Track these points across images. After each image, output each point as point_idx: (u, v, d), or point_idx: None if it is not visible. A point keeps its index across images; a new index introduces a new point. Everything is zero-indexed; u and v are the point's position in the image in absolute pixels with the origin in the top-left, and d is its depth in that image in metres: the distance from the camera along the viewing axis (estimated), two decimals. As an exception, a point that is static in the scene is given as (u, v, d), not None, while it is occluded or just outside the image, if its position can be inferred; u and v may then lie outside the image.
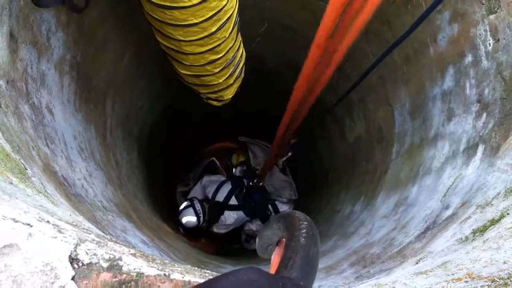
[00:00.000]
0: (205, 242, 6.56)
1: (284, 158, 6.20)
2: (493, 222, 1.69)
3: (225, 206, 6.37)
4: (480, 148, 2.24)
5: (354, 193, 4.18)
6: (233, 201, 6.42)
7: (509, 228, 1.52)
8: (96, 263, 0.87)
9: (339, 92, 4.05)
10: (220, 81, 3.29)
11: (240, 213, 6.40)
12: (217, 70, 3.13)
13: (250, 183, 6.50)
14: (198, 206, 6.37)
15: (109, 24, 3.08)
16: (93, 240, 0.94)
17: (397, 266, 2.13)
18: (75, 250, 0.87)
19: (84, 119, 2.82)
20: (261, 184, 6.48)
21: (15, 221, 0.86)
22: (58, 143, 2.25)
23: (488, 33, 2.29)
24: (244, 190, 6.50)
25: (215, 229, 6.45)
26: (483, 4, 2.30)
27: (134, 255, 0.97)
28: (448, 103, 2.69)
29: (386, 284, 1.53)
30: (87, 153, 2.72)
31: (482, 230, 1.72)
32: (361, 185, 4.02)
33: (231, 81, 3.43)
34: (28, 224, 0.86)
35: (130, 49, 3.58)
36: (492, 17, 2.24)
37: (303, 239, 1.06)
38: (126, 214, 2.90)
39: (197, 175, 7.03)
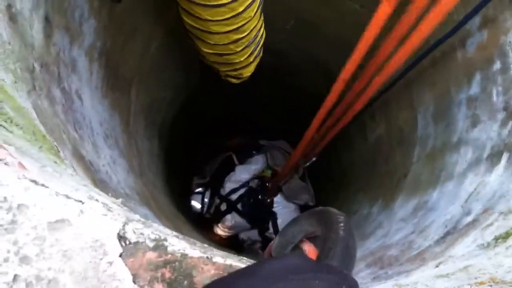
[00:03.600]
0: (210, 230, 6.59)
1: (307, 164, 6.20)
2: (517, 229, 1.69)
3: (233, 207, 6.43)
4: (505, 156, 2.23)
5: (372, 194, 4.17)
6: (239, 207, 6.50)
7: (533, 236, 1.52)
8: (142, 242, 0.90)
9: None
10: (242, 59, 3.32)
11: (242, 221, 6.45)
12: (239, 49, 3.16)
13: (259, 197, 6.54)
14: (207, 197, 6.46)
15: (139, 12, 3.11)
16: (139, 220, 0.97)
17: (416, 269, 2.13)
18: (123, 229, 0.89)
19: (110, 106, 2.85)
20: (268, 201, 6.52)
21: (68, 197, 0.88)
22: (86, 128, 2.28)
23: (519, 41, 2.28)
24: (252, 201, 6.54)
25: (218, 230, 6.51)
26: (514, 11, 2.29)
27: (177, 237, 1.00)
28: (473, 109, 2.67)
29: (408, 285, 1.53)
30: (111, 140, 2.75)
31: (505, 237, 1.71)
32: (380, 187, 4.01)
33: (251, 59, 3.47)
34: (80, 201, 0.89)
35: (157, 39, 3.61)
36: (523, 25, 2.24)
37: (342, 232, 1.08)
38: (146, 202, 2.93)
39: (214, 169, 7.06)
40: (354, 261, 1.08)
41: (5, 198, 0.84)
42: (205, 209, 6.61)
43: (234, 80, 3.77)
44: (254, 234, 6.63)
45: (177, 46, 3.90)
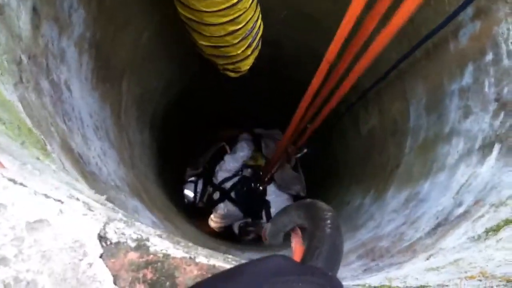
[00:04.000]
0: (202, 222, 6.58)
1: (299, 155, 6.18)
2: (507, 222, 1.69)
3: (226, 195, 6.43)
4: (496, 147, 2.22)
5: (364, 185, 4.17)
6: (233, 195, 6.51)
7: (523, 229, 1.52)
8: (124, 243, 0.88)
9: (356, 85, 4.04)
10: (239, 52, 3.31)
11: (235, 209, 6.45)
12: (236, 41, 3.16)
13: (252, 185, 6.53)
14: (200, 186, 6.47)
15: (131, 2, 3.08)
16: (121, 219, 0.95)
17: (407, 261, 2.13)
18: (104, 229, 0.88)
19: (101, 97, 2.83)
20: (261, 188, 6.51)
21: (47, 196, 0.87)
22: (75, 120, 2.26)
23: (511, 32, 2.27)
24: (245, 189, 6.55)
25: (211, 223, 6.51)
26: (507, 2, 2.27)
27: (160, 236, 0.98)
28: (465, 100, 2.67)
29: (397, 278, 1.53)
30: (102, 132, 2.73)
31: (496, 229, 1.71)
32: (372, 178, 4.01)
33: (249, 52, 3.46)
34: (59, 201, 0.87)
35: (149, 29, 3.58)
36: (516, 15, 2.22)
37: (328, 229, 1.07)
38: (137, 194, 2.91)
39: (207, 160, 7.06)
40: (340, 260, 1.08)
41: (-19, 198, 0.82)
42: (197, 198, 6.62)
43: (232, 74, 3.76)
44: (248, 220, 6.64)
45: (170, 36, 3.88)
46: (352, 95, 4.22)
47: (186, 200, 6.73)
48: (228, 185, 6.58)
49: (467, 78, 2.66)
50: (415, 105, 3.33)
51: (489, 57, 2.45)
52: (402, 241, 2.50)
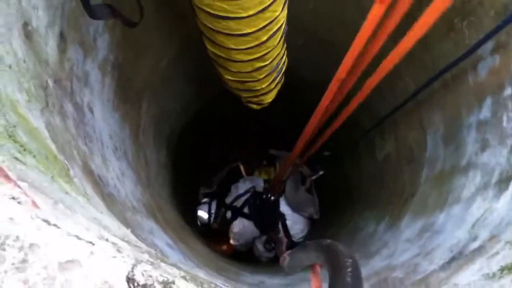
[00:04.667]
0: (219, 240, 6.54)
1: (315, 177, 6.16)
2: (523, 261, 1.69)
3: (238, 212, 6.39)
4: (513, 183, 2.23)
5: (378, 212, 4.16)
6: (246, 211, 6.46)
7: (538, 270, 1.52)
8: (150, 285, 0.90)
9: (372, 112, 4.05)
10: (263, 86, 3.33)
11: (249, 224, 6.41)
12: (261, 77, 3.17)
13: (264, 196, 6.50)
14: (214, 207, 6.44)
15: (152, 29, 3.14)
16: (148, 260, 0.97)
17: (420, 295, 2.13)
18: (132, 271, 0.90)
19: (121, 118, 2.88)
20: (273, 198, 6.47)
21: (79, 238, 0.89)
22: (96, 141, 2.30)
23: (530, 68, 2.28)
24: (257, 202, 6.51)
25: (232, 241, 6.47)
26: (527, 38, 2.29)
27: (184, 278, 1.00)
28: (483, 133, 2.67)
29: (411, 314, 1.53)
30: (120, 152, 2.77)
31: (510, 268, 1.71)
32: (387, 205, 4.00)
33: (273, 86, 3.48)
34: (90, 242, 0.90)
35: (169, 53, 3.64)
36: (535, 52, 2.24)
37: (349, 279, 1.08)
38: (152, 214, 2.94)
39: (221, 179, 7.06)
40: None
41: (17, 237, 0.85)
42: (212, 219, 6.59)
43: (255, 106, 3.78)
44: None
45: (188, 61, 3.93)
46: (367, 121, 4.23)
47: (199, 222, 6.70)
48: (240, 202, 6.55)
49: (485, 112, 2.66)
50: (432, 135, 3.33)
51: (508, 91, 2.45)
52: (416, 273, 2.49)
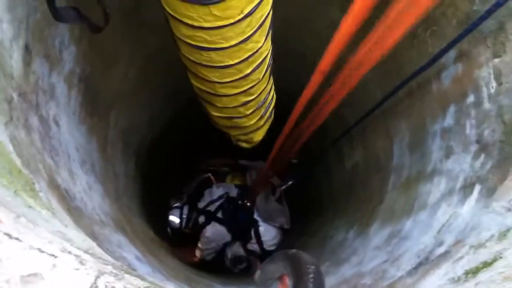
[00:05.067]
0: (189, 250, 6.47)
1: (284, 187, 6.17)
2: (486, 264, 1.72)
3: (212, 216, 6.36)
4: (477, 188, 2.27)
5: (348, 220, 4.19)
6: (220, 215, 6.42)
7: (501, 273, 1.55)
8: None
9: (340, 120, 4.09)
10: (252, 122, 3.32)
11: (222, 229, 6.37)
12: (249, 112, 3.16)
13: (239, 202, 6.48)
14: (185, 211, 6.39)
15: (118, 41, 3.13)
16: (111, 272, 0.97)
17: (387, 302, 2.15)
18: (95, 283, 0.89)
19: (88, 131, 2.85)
20: (248, 204, 6.45)
21: (41, 251, 0.88)
22: (62, 155, 2.28)
23: (492, 76, 2.33)
24: (232, 207, 6.48)
25: (198, 252, 6.42)
26: (488, 47, 2.34)
27: (148, 289, 1.00)
28: (447, 140, 2.72)
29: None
30: (88, 165, 2.75)
31: (475, 271, 1.74)
32: (356, 213, 4.04)
33: (262, 122, 3.47)
34: (53, 255, 0.89)
35: (136, 64, 3.63)
36: (496, 60, 2.29)
37: (310, 285, 1.09)
38: (121, 228, 2.91)
39: (191, 190, 7.02)
40: None
41: (-22, 251, 0.84)
42: (183, 223, 6.52)
43: (245, 145, 3.78)
44: (237, 249, 6.55)
45: (157, 72, 3.92)
46: (335, 130, 4.27)
47: (169, 229, 6.63)
48: (213, 207, 6.52)
49: (449, 119, 2.72)
50: (398, 143, 3.38)
51: (471, 99, 2.51)
52: (384, 279, 2.52)
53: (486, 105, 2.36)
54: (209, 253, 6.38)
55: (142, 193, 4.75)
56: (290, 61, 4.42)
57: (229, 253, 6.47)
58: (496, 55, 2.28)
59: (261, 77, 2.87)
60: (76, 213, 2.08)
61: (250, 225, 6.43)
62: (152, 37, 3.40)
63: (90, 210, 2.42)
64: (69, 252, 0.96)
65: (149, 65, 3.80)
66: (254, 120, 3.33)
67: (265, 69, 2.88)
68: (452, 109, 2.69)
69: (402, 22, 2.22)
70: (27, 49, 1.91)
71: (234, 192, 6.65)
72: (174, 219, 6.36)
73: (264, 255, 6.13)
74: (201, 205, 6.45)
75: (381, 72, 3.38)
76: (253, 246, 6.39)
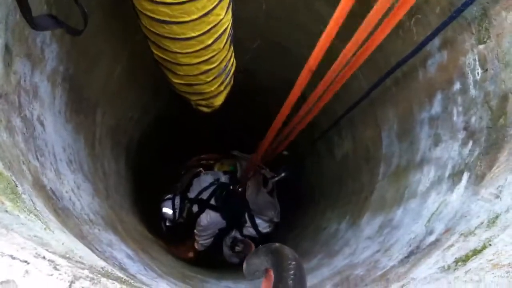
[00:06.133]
0: (183, 246, 6.46)
1: (276, 179, 6.16)
2: (475, 252, 1.72)
3: (205, 204, 6.33)
4: (465, 176, 2.27)
5: (340, 211, 4.19)
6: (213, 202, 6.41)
7: (490, 260, 1.55)
8: None
9: (328, 112, 4.09)
10: (212, 89, 3.33)
11: (217, 216, 6.36)
12: (209, 79, 3.18)
13: (231, 187, 6.46)
14: (177, 201, 6.37)
15: (103, 37, 3.10)
16: (87, 276, 0.95)
17: (379, 291, 2.15)
18: None
19: (74, 130, 2.83)
20: (240, 190, 6.43)
21: (13, 258, 0.87)
22: (48, 155, 2.26)
23: (477, 63, 2.33)
24: (225, 193, 6.47)
25: (198, 243, 6.40)
26: (473, 33, 2.34)
27: (127, 292, 0.99)
28: (435, 128, 2.72)
29: (369, 311, 1.55)
30: (75, 164, 2.72)
31: (464, 259, 1.74)
32: (347, 204, 4.04)
33: (222, 88, 3.49)
34: (25, 261, 0.88)
35: (122, 61, 3.60)
36: (481, 47, 2.28)
37: (291, 282, 1.08)
38: (112, 226, 2.90)
39: (184, 186, 7.00)
40: None
41: None
42: (177, 213, 6.50)
43: (205, 109, 3.77)
44: (235, 234, 6.54)
45: (142, 68, 3.90)
46: (324, 121, 4.27)
47: (163, 225, 6.61)
48: (206, 194, 6.49)
49: (436, 107, 2.72)
50: (387, 132, 3.38)
51: (457, 86, 2.51)
52: (376, 269, 2.52)
53: (472, 91, 2.36)
54: (206, 239, 6.36)
55: (134, 191, 4.73)
56: (275, 55, 4.41)
57: (228, 240, 6.48)
58: (480, 41, 2.28)
59: (221, 47, 2.91)
60: (63, 213, 2.06)
61: (243, 209, 6.42)
62: (136, 34, 3.37)
63: (78, 210, 2.40)
64: (43, 257, 0.94)
65: (134, 62, 3.77)
66: (215, 86, 3.36)
67: (225, 39, 2.91)
68: (438, 96, 2.69)
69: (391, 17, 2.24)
70: (7, 49, 1.88)
71: (223, 179, 6.64)
72: (167, 210, 6.34)
73: (261, 238, 6.14)
74: (191, 194, 6.43)
75: (368, 63, 3.37)
76: (248, 230, 6.39)
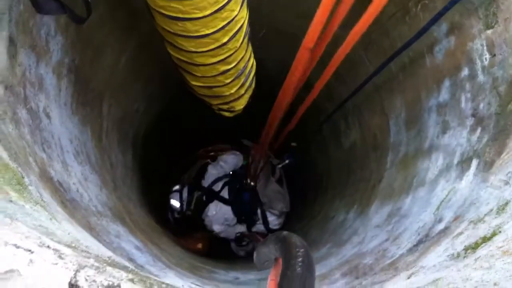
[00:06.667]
0: (192, 238, 6.47)
1: (281, 165, 6.17)
2: (485, 239, 1.71)
3: (215, 195, 6.34)
4: (474, 163, 2.25)
5: (348, 200, 4.18)
6: (225, 195, 6.41)
7: (500, 247, 1.54)
8: None
9: (334, 97, 4.07)
10: (232, 91, 3.29)
11: (227, 209, 6.36)
12: (228, 81, 3.13)
13: (244, 181, 6.46)
14: (185, 193, 6.38)
15: (108, 28, 3.09)
16: (92, 265, 0.95)
17: (389, 280, 2.14)
18: (74, 277, 0.87)
19: (81, 122, 2.82)
20: (252, 184, 6.43)
21: (17, 247, 0.87)
22: (55, 147, 2.26)
23: (485, 48, 2.30)
24: (238, 187, 6.47)
25: (207, 225, 6.41)
26: (480, 18, 2.31)
27: (132, 280, 0.98)
28: (443, 115, 2.70)
29: (378, 299, 1.54)
30: (82, 156, 2.72)
31: (474, 247, 1.73)
32: (355, 192, 4.03)
33: (242, 91, 3.44)
34: (29, 250, 0.87)
35: (127, 52, 3.59)
36: (489, 32, 2.26)
37: (299, 269, 1.07)
38: (119, 217, 2.90)
39: (192, 177, 7.01)
40: None
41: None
42: (184, 206, 6.52)
43: (227, 114, 3.75)
44: (241, 229, 6.56)
45: (148, 59, 3.89)
46: (329, 106, 4.25)
47: (171, 217, 6.63)
48: (219, 185, 6.50)
49: (444, 94, 2.69)
50: (394, 120, 3.36)
51: (465, 72, 2.48)
52: (385, 258, 2.51)
53: (481, 77, 2.34)
54: (216, 234, 6.39)
55: (142, 182, 4.73)
56: (282, 43, 4.39)
57: (232, 243, 6.50)
58: (488, 26, 2.25)
59: (238, 45, 2.86)
60: (70, 205, 2.06)
61: (255, 205, 6.43)
62: (142, 24, 3.35)
63: (86, 201, 2.41)
64: (48, 247, 0.94)
65: (140, 52, 3.76)
66: (235, 89, 3.31)
67: (242, 37, 2.86)
68: (446, 83, 2.67)
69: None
70: (11, 41, 1.88)
71: (239, 170, 6.65)
72: (175, 203, 6.39)
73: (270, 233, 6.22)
74: (205, 183, 6.44)
75: (374, 48, 3.36)
76: (257, 227, 6.41)
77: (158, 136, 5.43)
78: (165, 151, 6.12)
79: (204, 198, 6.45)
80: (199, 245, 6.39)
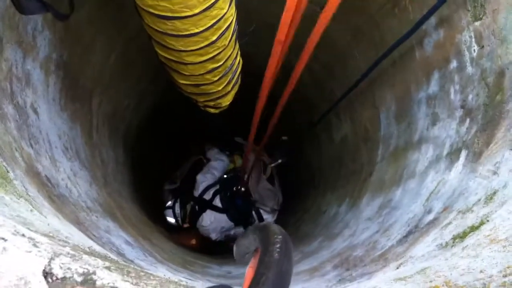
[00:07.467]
0: (186, 233, 6.47)
1: (273, 164, 6.17)
2: (473, 228, 1.71)
3: (208, 205, 6.35)
4: (463, 153, 2.26)
5: (339, 193, 4.19)
6: (217, 203, 6.42)
7: (488, 236, 1.54)
8: (70, 277, 0.87)
9: (326, 93, 4.07)
10: (219, 88, 3.28)
11: (222, 217, 6.37)
12: (216, 79, 3.11)
13: (234, 188, 6.47)
14: (177, 209, 6.39)
15: (97, 24, 3.07)
16: (68, 253, 0.94)
17: (378, 270, 2.14)
18: (49, 264, 0.87)
19: (70, 118, 2.81)
20: (243, 189, 6.44)
21: None
22: (43, 143, 2.25)
23: (473, 40, 2.31)
24: (229, 194, 6.48)
25: (204, 233, 6.42)
26: (468, 10, 2.32)
27: (108, 268, 0.97)
28: (433, 107, 2.71)
29: (366, 289, 1.54)
30: (71, 152, 2.71)
31: (462, 236, 1.74)
32: (347, 186, 4.04)
33: (229, 88, 3.43)
34: (2, 238, 0.87)
35: (117, 48, 3.57)
36: (477, 23, 2.26)
37: (276, 254, 1.07)
38: (110, 213, 2.89)
39: (184, 173, 7.00)
40: (288, 285, 1.07)
41: None
42: (180, 221, 6.52)
43: (212, 110, 3.73)
44: (241, 231, 6.57)
45: (138, 55, 3.87)
46: (322, 103, 4.25)
47: (170, 225, 6.64)
48: (210, 193, 6.50)
49: (433, 86, 2.70)
50: (385, 113, 3.37)
51: (454, 64, 2.49)
52: (375, 250, 2.52)
53: (469, 69, 2.34)
54: (218, 238, 6.40)
55: (134, 178, 4.72)
56: (270, 36, 4.38)
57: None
58: (476, 18, 2.26)
59: (227, 43, 2.85)
60: (59, 200, 2.05)
61: (249, 207, 6.44)
62: (132, 20, 3.33)
63: (75, 197, 2.40)
64: (22, 235, 0.93)
65: (130, 49, 3.74)
66: (222, 86, 3.30)
67: (230, 35, 2.85)
68: (436, 75, 2.68)
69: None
70: (-4, 36, 1.87)
71: (228, 175, 6.66)
72: (170, 219, 6.41)
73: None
74: (196, 193, 6.45)
75: (364, 41, 3.36)
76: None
77: (150, 132, 5.42)
78: (157, 146, 6.11)
79: (196, 208, 6.45)
80: (193, 241, 6.39)
